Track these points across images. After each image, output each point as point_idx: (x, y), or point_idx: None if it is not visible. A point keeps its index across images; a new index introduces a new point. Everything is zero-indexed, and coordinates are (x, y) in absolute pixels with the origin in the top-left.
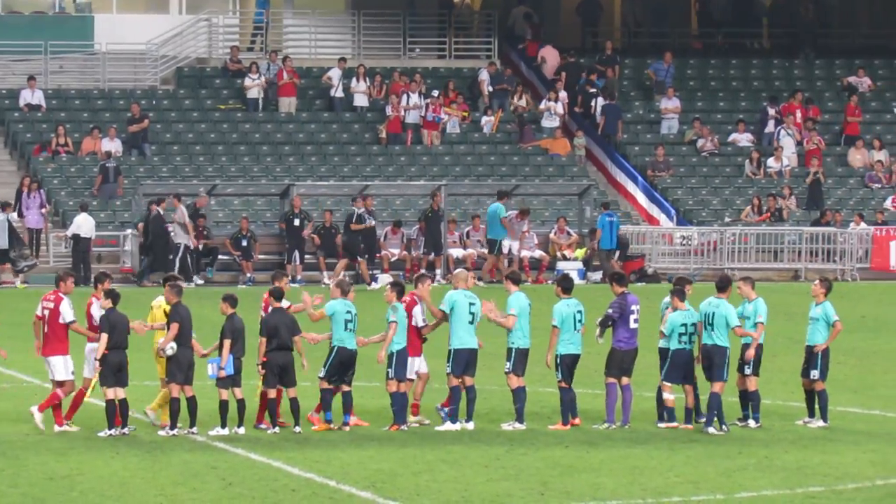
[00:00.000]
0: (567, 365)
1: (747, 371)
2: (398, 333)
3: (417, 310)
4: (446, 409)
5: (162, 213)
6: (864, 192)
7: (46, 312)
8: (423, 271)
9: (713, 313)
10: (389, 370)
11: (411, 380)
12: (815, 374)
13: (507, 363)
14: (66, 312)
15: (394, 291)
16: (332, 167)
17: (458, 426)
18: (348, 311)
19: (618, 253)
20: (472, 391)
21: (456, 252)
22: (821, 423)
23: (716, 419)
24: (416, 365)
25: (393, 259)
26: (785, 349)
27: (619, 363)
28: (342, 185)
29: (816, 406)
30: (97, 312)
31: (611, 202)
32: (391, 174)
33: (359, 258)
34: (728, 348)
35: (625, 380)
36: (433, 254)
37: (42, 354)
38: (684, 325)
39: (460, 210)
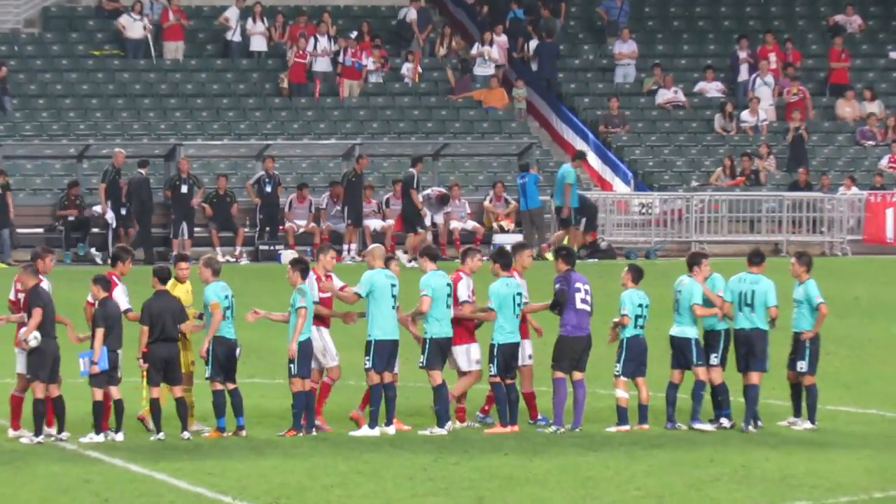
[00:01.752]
0: (505, 357)
1: (802, 367)
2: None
3: (462, 286)
4: (483, 416)
5: (146, 175)
6: (855, 150)
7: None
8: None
9: (752, 291)
10: (292, 366)
11: (329, 377)
12: (802, 365)
13: (422, 357)
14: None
15: (297, 271)
16: (225, 124)
17: (377, 431)
18: (226, 297)
19: (584, 221)
20: (392, 389)
21: (374, 224)
22: (808, 424)
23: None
24: (473, 355)
25: (298, 232)
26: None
27: (570, 354)
28: (238, 144)
29: (804, 404)
30: (122, 296)
31: (530, 163)
32: (296, 132)
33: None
34: (769, 332)
35: (577, 374)
36: (354, 225)
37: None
38: (640, 305)
39: (378, 174)
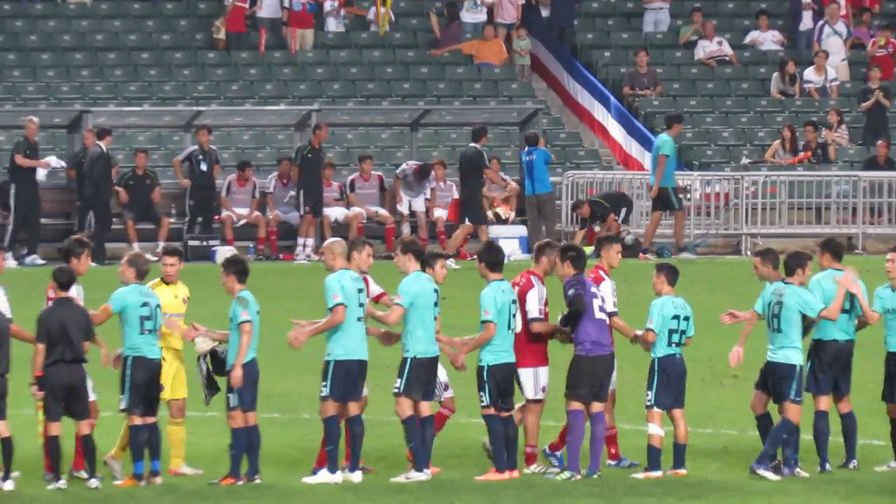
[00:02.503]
0: (498, 381)
1: None
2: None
3: (533, 298)
4: (557, 454)
5: (105, 150)
6: None
7: None
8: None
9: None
10: (231, 396)
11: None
12: None
13: (398, 380)
14: None
15: (231, 274)
16: (145, 85)
17: (337, 476)
18: (145, 304)
19: (624, 212)
20: (359, 424)
21: (335, 212)
22: None
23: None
24: (542, 380)
25: (239, 223)
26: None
27: (589, 378)
28: (161, 111)
29: None
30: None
31: (538, 135)
32: (236, 95)
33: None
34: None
35: (596, 405)
36: (313, 214)
37: None
38: (677, 317)
39: (341, 149)
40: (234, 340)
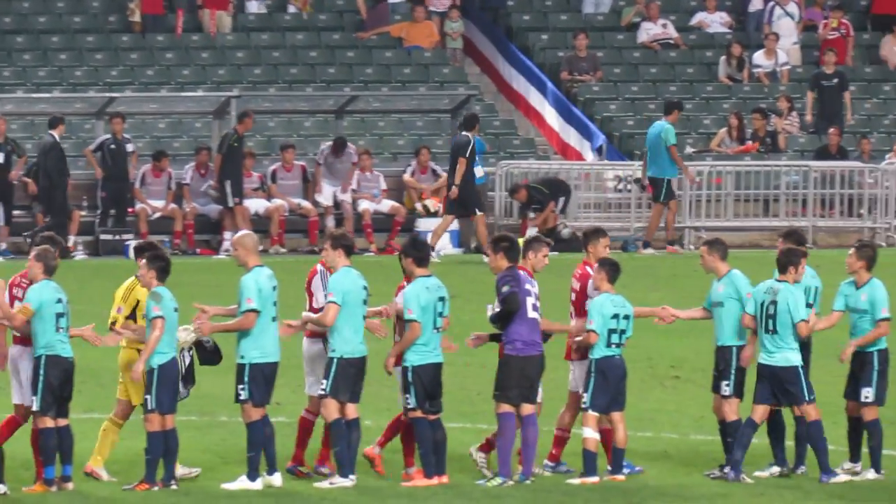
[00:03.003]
0: (424, 382)
1: (867, 396)
2: (164, 336)
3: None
4: (553, 465)
5: (58, 140)
6: None
7: None
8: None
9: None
10: (148, 398)
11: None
12: (868, 393)
13: (325, 381)
14: None
15: (153, 269)
16: (55, 70)
17: (258, 483)
18: (59, 300)
19: (562, 202)
20: (269, 427)
21: (255, 204)
22: (871, 472)
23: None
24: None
25: (154, 216)
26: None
27: (520, 380)
28: (72, 97)
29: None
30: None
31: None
32: (151, 81)
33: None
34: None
35: (527, 408)
36: (242, 205)
37: None
38: (616, 316)
39: (262, 138)
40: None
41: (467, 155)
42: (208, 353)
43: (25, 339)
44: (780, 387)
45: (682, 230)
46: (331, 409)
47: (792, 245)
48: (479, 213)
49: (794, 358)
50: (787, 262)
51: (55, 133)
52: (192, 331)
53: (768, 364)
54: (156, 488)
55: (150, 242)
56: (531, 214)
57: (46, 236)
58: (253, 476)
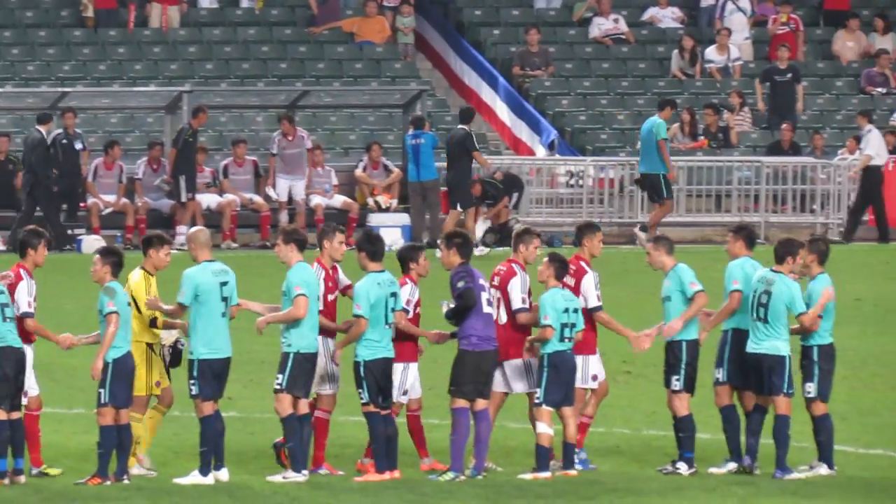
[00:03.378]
0: (376, 377)
1: (808, 391)
2: (119, 330)
3: (516, 285)
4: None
5: (45, 136)
6: (859, 100)
7: None
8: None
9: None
10: (102, 391)
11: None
12: (810, 388)
13: (280, 376)
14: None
15: (107, 265)
16: (7, 65)
17: (210, 478)
18: (2, 291)
19: (515, 197)
20: (220, 422)
21: (207, 199)
22: (824, 468)
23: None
24: (595, 367)
25: (105, 211)
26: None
27: (474, 375)
28: (24, 92)
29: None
30: (23, 296)
31: (422, 118)
32: (103, 75)
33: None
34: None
35: (480, 403)
36: (195, 199)
37: None
38: (567, 310)
39: (213, 133)
40: (102, 333)
41: (477, 147)
42: (176, 355)
43: None
44: (762, 375)
45: (634, 226)
46: (284, 404)
47: (743, 240)
48: (458, 208)
49: (784, 348)
50: (786, 253)
51: (43, 129)
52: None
53: (755, 352)
54: (108, 482)
55: (159, 234)
56: (484, 209)
57: (31, 229)
58: (205, 471)
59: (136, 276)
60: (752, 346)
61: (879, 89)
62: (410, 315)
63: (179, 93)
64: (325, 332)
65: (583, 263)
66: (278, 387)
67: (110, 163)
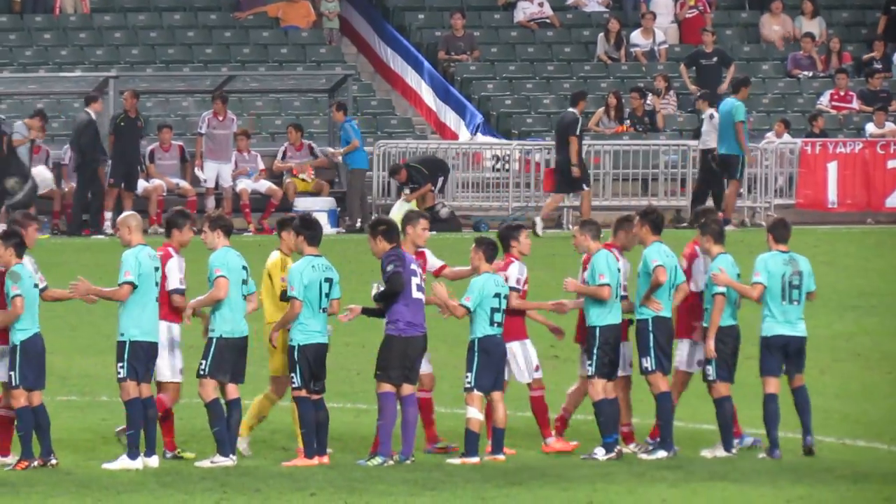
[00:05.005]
0: (309, 361)
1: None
2: (25, 313)
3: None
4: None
5: (94, 117)
6: (786, 83)
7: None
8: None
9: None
10: (13, 374)
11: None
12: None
13: (203, 361)
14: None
15: (10, 247)
16: None
17: (138, 462)
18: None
19: (441, 181)
20: (152, 408)
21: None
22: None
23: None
24: (532, 355)
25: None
26: None
27: (401, 360)
28: None
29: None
30: (175, 272)
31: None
32: (29, 60)
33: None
34: None
35: (407, 388)
36: (127, 188)
37: None
38: (497, 295)
39: (142, 115)
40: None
41: (577, 132)
42: None
43: None
44: (793, 356)
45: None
46: (208, 389)
47: (648, 224)
48: (586, 188)
49: (805, 328)
50: (789, 234)
51: (91, 110)
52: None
53: (793, 335)
54: (36, 464)
55: (307, 216)
56: (406, 191)
57: (178, 210)
58: (133, 455)
59: (273, 258)
60: (786, 329)
61: (806, 73)
62: (520, 292)
63: (106, 78)
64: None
65: (511, 258)
66: (202, 372)
67: (36, 148)
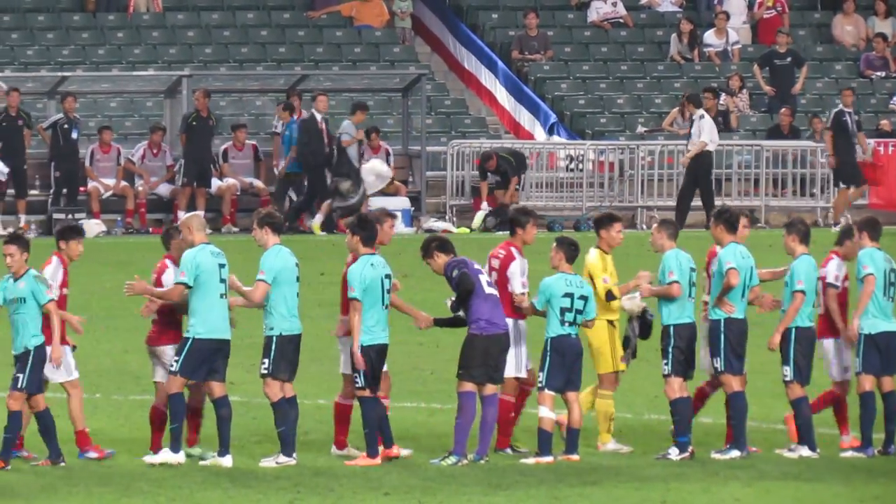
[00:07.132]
0: (372, 360)
1: (787, 375)
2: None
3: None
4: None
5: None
6: (858, 84)
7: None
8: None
9: None
10: (20, 376)
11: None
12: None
13: (265, 360)
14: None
15: (12, 245)
16: (7, 49)
17: (181, 456)
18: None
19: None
20: (225, 406)
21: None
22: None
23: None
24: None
25: (105, 195)
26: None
27: (484, 358)
28: (24, 76)
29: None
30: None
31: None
32: (102, 59)
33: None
34: None
35: (489, 388)
36: (199, 184)
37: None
38: (568, 295)
39: (214, 114)
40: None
41: (830, 126)
42: (648, 326)
43: None
44: (885, 352)
45: (634, 209)
46: (274, 389)
47: (723, 224)
48: (842, 186)
49: None
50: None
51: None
52: (628, 299)
53: (893, 331)
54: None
55: (364, 216)
56: (490, 179)
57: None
58: (176, 448)
59: (592, 256)
60: (887, 326)
61: (879, 73)
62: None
63: (179, 77)
64: (514, 313)
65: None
66: (265, 371)
67: (106, 146)
